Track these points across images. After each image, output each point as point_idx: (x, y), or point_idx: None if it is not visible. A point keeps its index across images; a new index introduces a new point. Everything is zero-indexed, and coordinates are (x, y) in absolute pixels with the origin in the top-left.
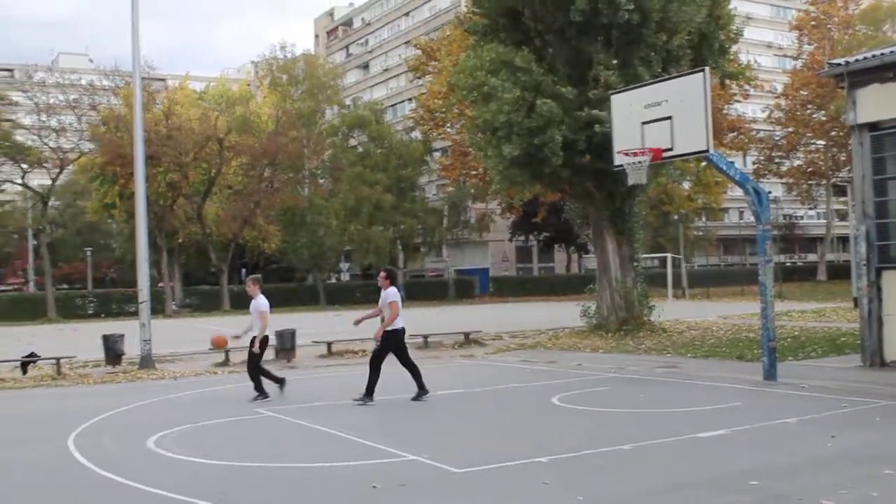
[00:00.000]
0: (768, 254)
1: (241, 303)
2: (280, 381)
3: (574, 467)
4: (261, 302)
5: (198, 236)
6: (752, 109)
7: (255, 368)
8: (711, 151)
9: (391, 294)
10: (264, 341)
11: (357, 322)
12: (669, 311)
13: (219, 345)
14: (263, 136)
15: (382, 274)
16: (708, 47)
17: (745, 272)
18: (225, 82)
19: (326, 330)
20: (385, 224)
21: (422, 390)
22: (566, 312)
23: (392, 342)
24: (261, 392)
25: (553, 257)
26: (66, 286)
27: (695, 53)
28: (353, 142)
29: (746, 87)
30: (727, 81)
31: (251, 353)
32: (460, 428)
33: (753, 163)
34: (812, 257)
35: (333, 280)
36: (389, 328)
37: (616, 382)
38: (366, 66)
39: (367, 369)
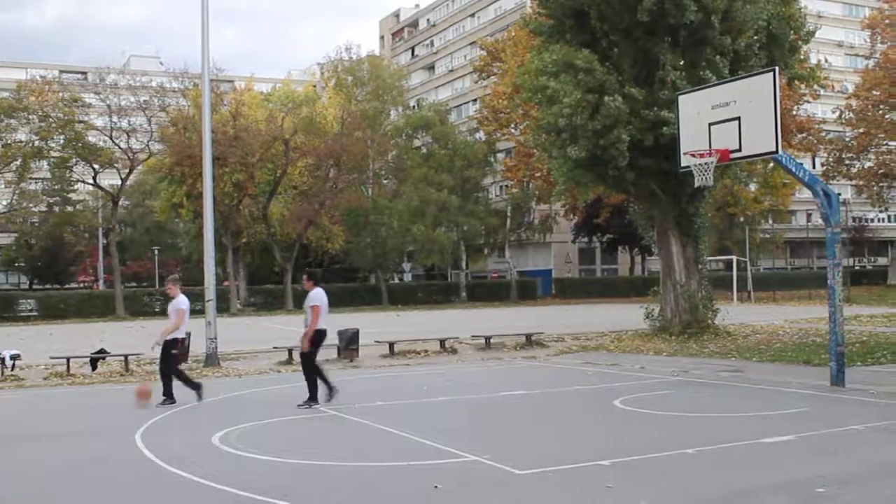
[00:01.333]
0: (837, 257)
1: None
2: (196, 387)
3: (637, 471)
4: (180, 301)
5: (263, 236)
6: (821, 110)
7: (171, 370)
8: (780, 153)
9: (314, 297)
10: (179, 342)
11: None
12: (734, 314)
13: (143, 396)
14: (328, 136)
15: (305, 276)
16: (778, 47)
17: (812, 276)
18: (291, 84)
19: (389, 330)
20: (449, 225)
21: (313, 400)
22: (629, 315)
23: (319, 343)
24: (169, 396)
25: (616, 259)
26: (134, 284)
27: (764, 54)
28: (417, 143)
29: (816, 87)
30: (796, 82)
31: (167, 355)
32: (521, 429)
33: (822, 164)
34: (882, 261)
35: (396, 280)
36: (317, 328)
37: (679, 386)
38: (431, 67)
39: (427, 369)
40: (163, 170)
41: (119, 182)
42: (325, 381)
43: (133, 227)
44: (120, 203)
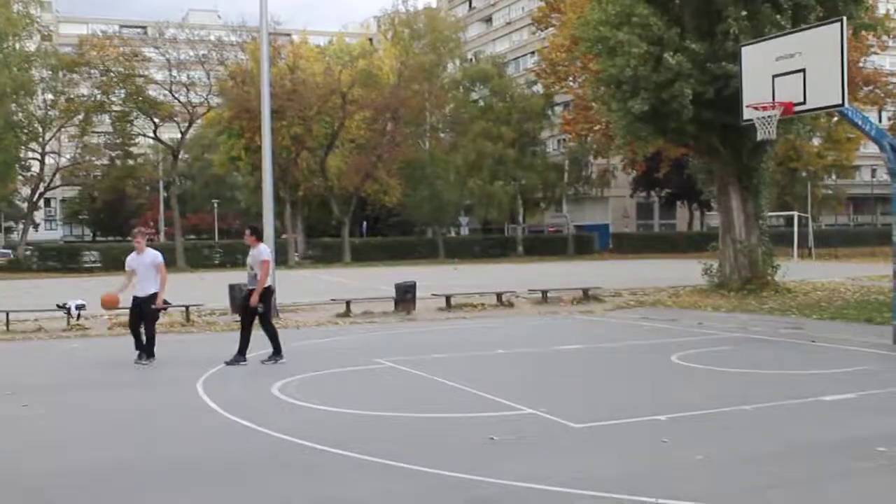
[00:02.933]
0: None
1: (361, 255)
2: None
3: (693, 426)
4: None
5: (320, 189)
6: (889, 62)
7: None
8: (846, 105)
9: (263, 252)
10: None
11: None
12: (795, 271)
13: (109, 305)
14: (385, 90)
15: (247, 231)
16: None
17: (876, 232)
18: (347, 37)
19: (445, 283)
20: (506, 179)
21: (277, 354)
22: (687, 270)
23: (268, 300)
24: (143, 351)
25: (675, 214)
26: (193, 237)
27: (829, 3)
28: (474, 96)
29: (885, 38)
30: (863, 33)
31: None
32: (578, 383)
33: (889, 118)
34: None
35: (453, 234)
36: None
37: (738, 342)
38: (488, 20)
39: (484, 322)
40: (221, 123)
41: (179, 136)
42: (277, 342)
43: (192, 180)
44: (180, 156)
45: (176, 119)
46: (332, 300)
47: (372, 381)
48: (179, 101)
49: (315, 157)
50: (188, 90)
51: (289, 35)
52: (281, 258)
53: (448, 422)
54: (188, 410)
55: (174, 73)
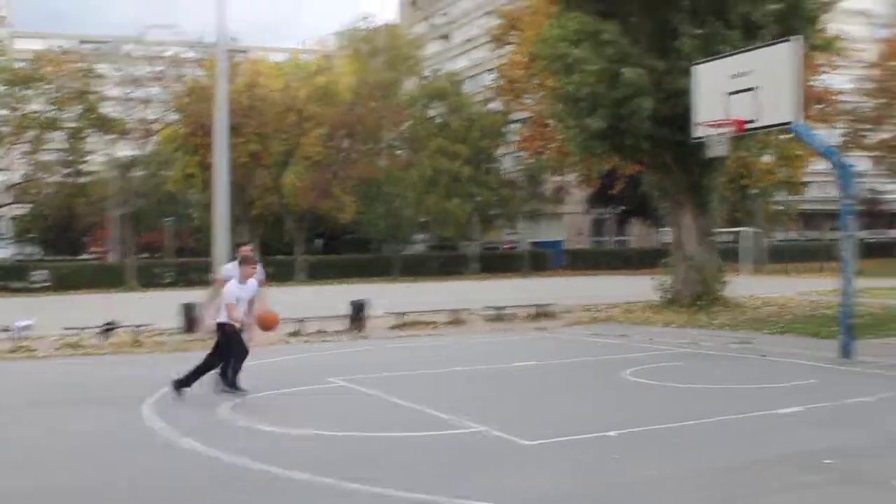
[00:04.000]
0: (851, 229)
1: (316, 273)
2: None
3: (644, 442)
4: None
5: (275, 207)
6: (839, 81)
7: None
8: (796, 123)
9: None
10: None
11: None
12: (745, 286)
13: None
14: (342, 106)
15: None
16: (798, 17)
17: (824, 248)
18: (305, 54)
19: (400, 300)
20: (462, 196)
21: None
22: (640, 286)
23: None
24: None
25: (629, 230)
26: (146, 255)
27: (782, 23)
28: (431, 113)
29: (835, 57)
30: (815, 52)
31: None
32: (530, 400)
33: (840, 136)
34: None
35: (408, 251)
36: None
37: (689, 357)
38: (447, 37)
39: (437, 340)
40: (177, 140)
41: (134, 152)
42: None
43: (146, 197)
44: (134, 173)
45: (131, 136)
46: (284, 318)
47: (324, 400)
48: (135, 118)
49: (271, 174)
50: (145, 106)
51: (246, 52)
52: None
53: (400, 441)
54: (133, 434)
55: (130, 89)
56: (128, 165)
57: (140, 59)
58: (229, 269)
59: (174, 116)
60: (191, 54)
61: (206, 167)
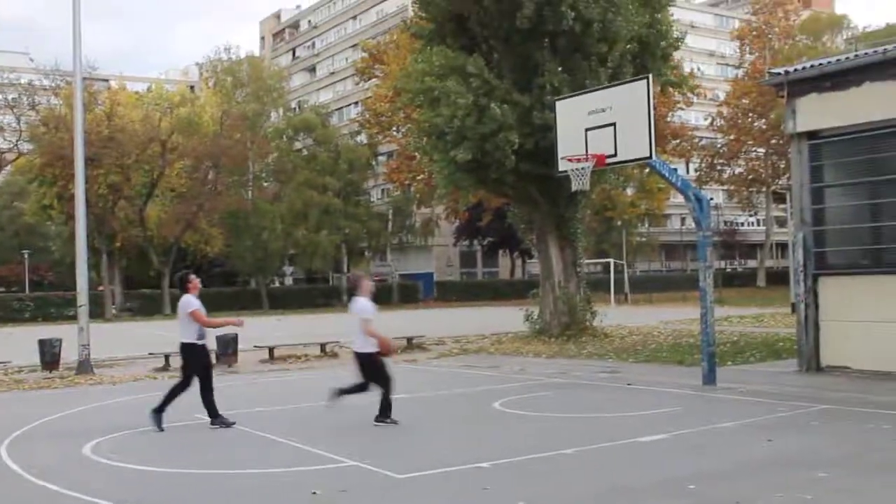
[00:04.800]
0: (709, 260)
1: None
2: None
3: (516, 472)
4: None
5: (139, 239)
6: (694, 117)
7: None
8: (654, 158)
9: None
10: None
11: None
12: (612, 316)
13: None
14: (207, 138)
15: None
16: (650, 56)
17: (686, 278)
18: (167, 84)
19: (269, 334)
20: (331, 228)
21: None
22: (510, 317)
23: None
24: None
25: (497, 262)
26: (2, 289)
27: (637, 62)
28: (298, 145)
29: (689, 94)
30: (670, 89)
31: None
32: (402, 434)
33: (696, 170)
34: (752, 263)
35: (277, 284)
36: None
37: (558, 387)
38: (312, 69)
39: (307, 374)
40: (33, 170)
41: None
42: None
43: (1, 229)
44: None
45: None
46: (151, 354)
47: (191, 437)
48: None
49: (133, 206)
50: None
51: (106, 80)
52: (96, 311)
53: (270, 477)
54: None
55: None
56: None
57: None
58: (361, 302)
59: (28, 146)
60: (45, 82)
61: (64, 198)
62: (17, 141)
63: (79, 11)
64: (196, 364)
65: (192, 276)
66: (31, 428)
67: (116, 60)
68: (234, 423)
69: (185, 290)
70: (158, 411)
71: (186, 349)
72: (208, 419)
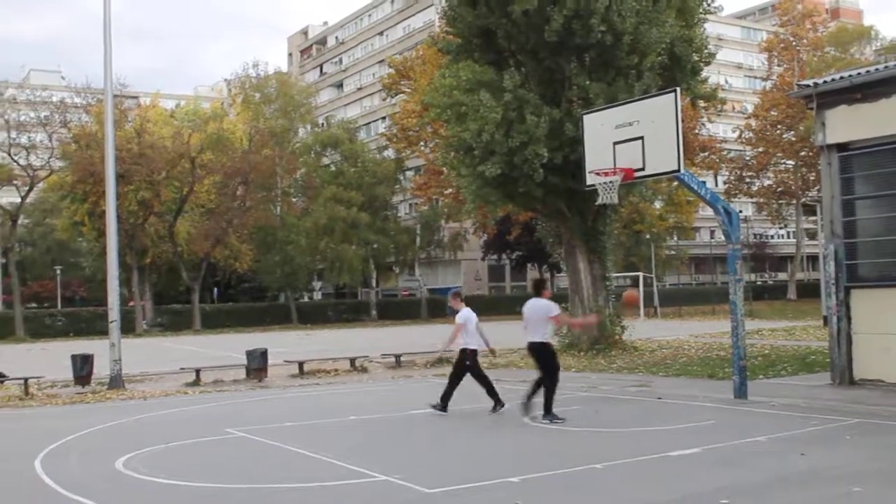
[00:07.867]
0: (739, 273)
1: (212, 322)
2: (497, 403)
3: (546, 487)
4: (461, 314)
5: (169, 255)
6: (722, 129)
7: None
8: (682, 171)
9: (459, 316)
10: (469, 353)
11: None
12: (641, 329)
13: (630, 301)
14: (236, 154)
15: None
16: (680, 69)
17: (716, 291)
18: (197, 100)
19: (298, 349)
20: (358, 243)
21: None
22: None
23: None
24: (496, 401)
25: (526, 276)
26: (35, 305)
27: (667, 74)
28: (325, 160)
29: (717, 107)
30: (698, 102)
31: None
32: (433, 447)
33: (724, 182)
34: (782, 276)
35: (306, 299)
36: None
37: (588, 402)
38: (339, 85)
39: (337, 388)
40: (65, 188)
41: (18, 200)
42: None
43: (34, 246)
44: (20, 221)
45: (15, 183)
46: (182, 369)
47: (222, 452)
48: (19, 164)
49: (164, 222)
50: (28, 153)
51: (136, 98)
52: (128, 326)
53: (302, 492)
54: (24, 490)
55: (13, 135)
56: (13, 213)
57: (23, 104)
58: (464, 314)
59: (60, 163)
60: (77, 100)
61: (95, 215)
62: (49, 158)
63: (109, 27)
64: (553, 360)
65: (547, 284)
66: (64, 443)
67: (149, 79)
68: (564, 420)
69: (540, 294)
70: (547, 411)
71: (541, 348)
72: (236, 433)
